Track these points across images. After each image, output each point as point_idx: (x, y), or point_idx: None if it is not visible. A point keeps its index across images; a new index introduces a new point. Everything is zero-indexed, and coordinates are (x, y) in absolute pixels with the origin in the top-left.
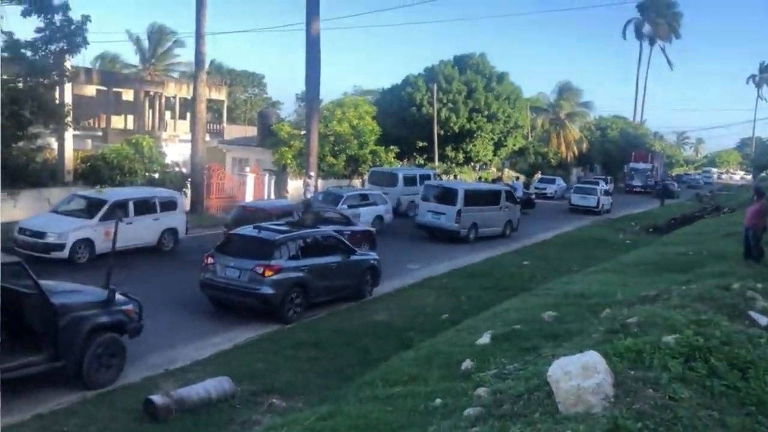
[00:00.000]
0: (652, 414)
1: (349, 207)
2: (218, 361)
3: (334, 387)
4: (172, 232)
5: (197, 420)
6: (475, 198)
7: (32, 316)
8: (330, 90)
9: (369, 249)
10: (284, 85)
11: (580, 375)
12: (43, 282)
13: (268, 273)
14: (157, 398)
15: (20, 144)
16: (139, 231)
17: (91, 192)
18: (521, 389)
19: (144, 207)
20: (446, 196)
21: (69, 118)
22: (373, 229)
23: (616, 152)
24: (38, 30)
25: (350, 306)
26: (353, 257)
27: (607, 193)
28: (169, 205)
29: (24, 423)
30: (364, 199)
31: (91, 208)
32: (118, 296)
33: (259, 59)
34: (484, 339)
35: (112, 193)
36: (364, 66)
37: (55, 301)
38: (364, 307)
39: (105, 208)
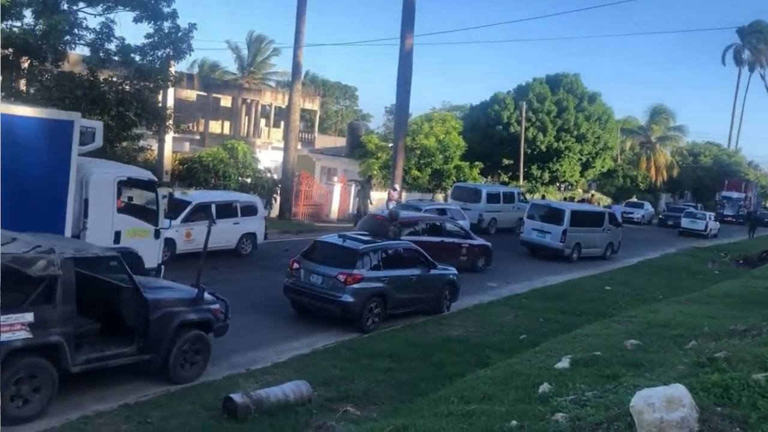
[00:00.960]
0: None
1: None
2: (297, 365)
3: (408, 399)
4: (251, 236)
5: (274, 421)
6: (580, 219)
7: (126, 309)
8: (419, 104)
9: (485, 263)
10: (375, 99)
11: (664, 407)
12: (137, 277)
13: (349, 281)
14: (237, 397)
15: (124, 144)
16: (220, 234)
17: (177, 193)
18: (601, 417)
19: (225, 210)
20: (553, 215)
21: (170, 121)
22: (489, 244)
23: (708, 179)
24: (147, 36)
25: (427, 319)
26: (433, 271)
27: (715, 219)
28: (250, 210)
29: (112, 411)
30: (441, 213)
31: (175, 208)
32: (207, 295)
33: (353, 72)
34: (563, 363)
35: (196, 195)
36: (453, 82)
37: (148, 296)
38: (441, 322)
39: (188, 209)
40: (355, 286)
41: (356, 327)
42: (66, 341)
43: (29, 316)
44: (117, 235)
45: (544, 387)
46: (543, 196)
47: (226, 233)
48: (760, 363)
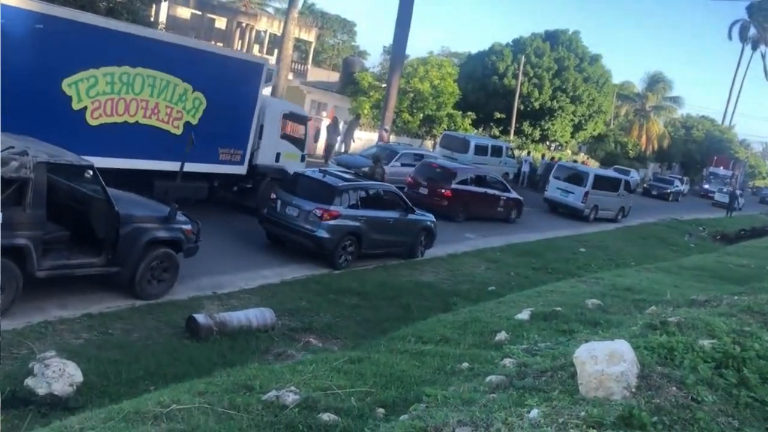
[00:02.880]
0: (671, 411)
1: (402, 165)
2: (264, 293)
3: (370, 337)
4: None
5: (234, 344)
6: (601, 182)
7: (96, 220)
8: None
9: (517, 215)
10: (374, 37)
11: (605, 361)
12: (111, 190)
13: (326, 217)
14: (200, 317)
15: None
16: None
17: None
18: (546, 366)
19: None
20: (577, 177)
21: None
22: (521, 198)
23: (697, 153)
24: None
25: (400, 263)
26: (411, 216)
27: (741, 195)
28: None
29: (74, 319)
30: (418, 160)
31: None
32: (179, 215)
33: (353, 6)
34: (523, 315)
35: None
36: (453, 28)
37: (120, 210)
38: (413, 266)
39: None
40: (331, 222)
41: (328, 263)
42: (33, 245)
43: None
44: (277, 156)
45: (501, 335)
46: (528, 153)
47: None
48: (710, 331)
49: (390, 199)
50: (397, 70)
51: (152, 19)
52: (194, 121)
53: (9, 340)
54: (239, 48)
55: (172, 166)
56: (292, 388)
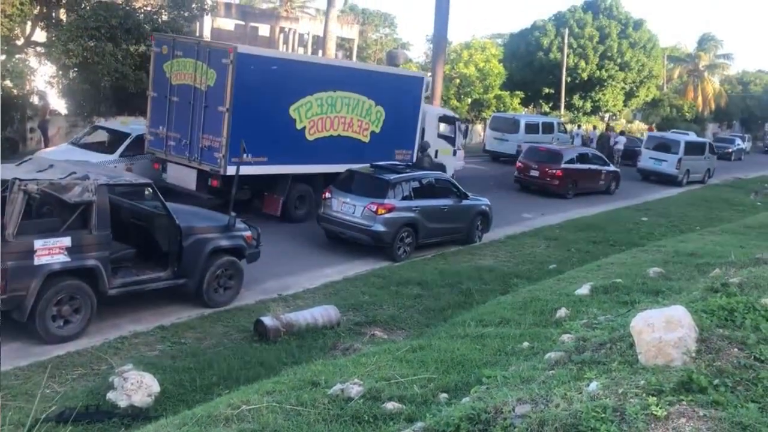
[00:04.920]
0: (732, 372)
1: None
2: (327, 291)
3: (433, 325)
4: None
5: (302, 343)
6: (690, 148)
7: (160, 235)
8: (460, 33)
9: (615, 186)
10: (416, 27)
11: (662, 328)
12: (170, 204)
13: (381, 211)
14: (267, 320)
15: None
16: (182, 174)
17: (114, 123)
18: (605, 338)
19: None
20: (668, 145)
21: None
22: (619, 170)
23: (757, 109)
24: None
25: (459, 249)
26: (465, 201)
27: None
28: None
29: (148, 332)
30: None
31: (113, 142)
32: (239, 223)
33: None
34: (583, 290)
35: (136, 127)
36: (495, 9)
37: (181, 223)
38: (472, 252)
39: (127, 141)
40: (387, 215)
41: (387, 256)
42: (102, 265)
43: (66, 241)
44: (435, 153)
45: (561, 312)
46: (579, 126)
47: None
48: None
49: (442, 186)
50: (440, 58)
51: (197, 34)
52: (377, 130)
53: (89, 357)
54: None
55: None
56: (356, 380)
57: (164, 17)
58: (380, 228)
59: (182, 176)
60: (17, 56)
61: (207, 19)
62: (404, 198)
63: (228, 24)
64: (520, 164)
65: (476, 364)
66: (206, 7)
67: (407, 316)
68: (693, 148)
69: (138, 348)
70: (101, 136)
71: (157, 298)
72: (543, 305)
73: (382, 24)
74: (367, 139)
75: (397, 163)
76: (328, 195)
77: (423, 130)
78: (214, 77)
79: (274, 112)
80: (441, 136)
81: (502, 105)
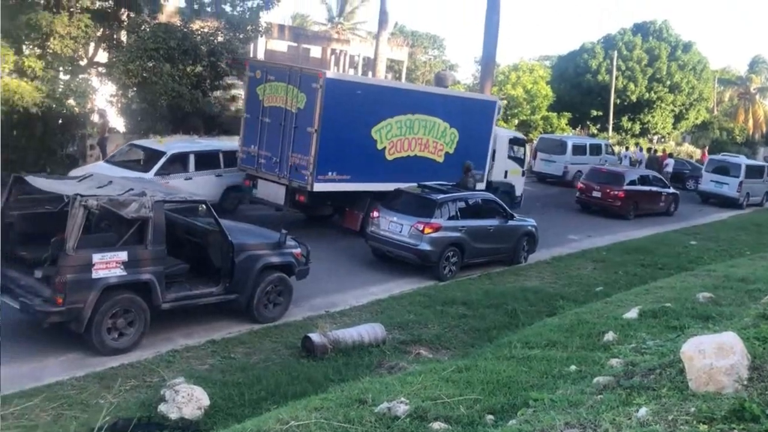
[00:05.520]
0: None
1: None
2: (373, 309)
3: (478, 345)
4: (236, 189)
5: (349, 360)
6: (751, 171)
7: (213, 251)
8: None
9: (674, 208)
10: (464, 49)
11: (714, 354)
12: (223, 221)
13: (427, 230)
14: (315, 336)
15: (216, 93)
16: (199, 188)
17: (150, 142)
18: (654, 363)
19: (207, 161)
20: (729, 168)
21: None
22: (678, 192)
23: None
24: None
25: (504, 270)
26: (511, 222)
27: None
28: (235, 160)
29: (199, 346)
30: None
31: (149, 159)
32: (289, 240)
33: (442, 22)
34: (632, 314)
35: (171, 144)
36: (543, 31)
37: (234, 240)
38: (517, 272)
39: (162, 160)
40: (433, 235)
41: (433, 275)
42: (157, 279)
43: (123, 255)
44: (505, 173)
45: (609, 336)
46: (627, 148)
47: (206, 187)
48: None
49: (489, 207)
50: (488, 79)
51: (251, 55)
52: (451, 151)
53: (141, 369)
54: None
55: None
56: (403, 399)
57: (220, 39)
58: (426, 247)
59: (271, 192)
60: (81, 76)
61: (261, 41)
62: (451, 218)
63: (281, 45)
64: (581, 185)
65: (523, 386)
66: (261, 29)
67: (452, 335)
68: (753, 172)
69: (189, 361)
70: (137, 155)
71: (208, 313)
72: (590, 328)
73: (431, 46)
74: (441, 160)
75: (444, 183)
76: (376, 214)
77: (494, 152)
78: (304, 100)
79: (358, 134)
80: (511, 157)
81: (549, 126)
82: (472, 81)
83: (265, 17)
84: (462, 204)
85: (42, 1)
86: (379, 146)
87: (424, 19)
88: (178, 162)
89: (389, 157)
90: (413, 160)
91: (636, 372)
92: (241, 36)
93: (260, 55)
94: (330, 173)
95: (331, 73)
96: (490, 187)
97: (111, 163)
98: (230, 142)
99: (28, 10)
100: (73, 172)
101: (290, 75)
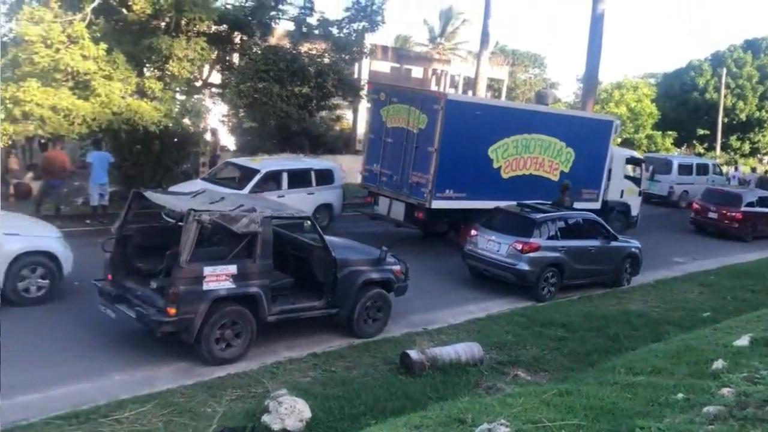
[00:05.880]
0: None
1: None
2: (471, 328)
3: (579, 369)
4: (327, 207)
5: (446, 379)
6: None
7: (317, 266)
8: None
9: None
10: (565, 67)
11: None
12: (326, 237)
13: (526, 250)
14: (413, 353)
15: (322, 113)
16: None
17: (245, 160)
18: None
19: (299, 179)
20: None
21: (364, 92)
22: None
23: None
24: (346, 9)
25: (605, 292)
26: (614, 243)
27: None
28: (326, 179)
29: (301, 359)
30: None
31: (244, 177)
32: (389, 257)
33: (543, 40)
34: (742, 341)
35: (265, 163)
36: (648, 48)
37: (336, 255)
38: (619, 295)
39: (257, 178)
40: (532, 254)
41: (532, 295)
42: (263, 292)
43: (233, 268)
44: (621, 193)
45: (718, 364)
46: (736, 168)
47: (298, 204)
48: None
49: (590, 226)
50: (590, 97)
51: (355, 76)
52: (566, 170)
53: (247, 379)
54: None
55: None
56: (503, 421)
57: (326, 60)
58: (525, 267)
59: (391, 208)
60: (196, 96)
61: (365, 62)
62: (550, 237)
63: (384, 66)
64: (696, 206)
65: (627, 413)
66: (365, 50)
67: (551, 358)
68: None
69: (292, 374)
70: (232, 172)
71: (309, 326)
72: (698, 355)
73: (532, 64)
74: (556, 178)
75: (544, 202)
76: (474, 232)
77: (610, 171)
78: (426, 121)
79: (475, 153)
80: (627, 177)
81: (653, 145)
82: (573, 99)
83: (370, 39)
84: (562, 223)
85: (162, 26)
86: (495, 165)
87: (526, 38)
88: (272, 180)
89: (505, 176)
90: (528, 178)
91: (749, 403)
92: (346, 57)
93: (365, 76)
94: (447, 191)
95: (451, 95)
96: (606, 206)
97: (207, 180)
98: (322, 161)
99: (150, 35)
100: (173, 188)
101: (413, 97)
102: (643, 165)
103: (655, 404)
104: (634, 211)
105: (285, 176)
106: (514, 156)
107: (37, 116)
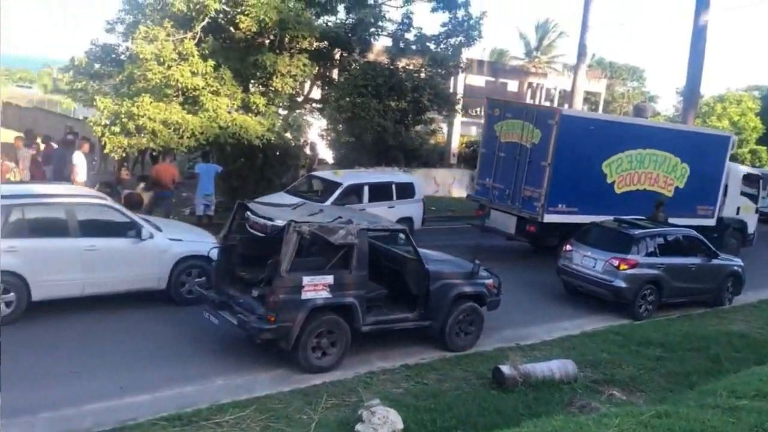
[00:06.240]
0: None
1: None
2: (564, 344)
3: (677, 390)
4: (407, 221)
5: (539, 396)
6: None
7: (410, 278)
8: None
9: None
10: (665, 79)
11: None
12: (420, 249)
13: (623, 266)
14: (505, 368)
15: (417, 128)
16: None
17: (327, 174)
18: None
19: (380, 193)
20: None
21: (459, 106)
22: None
23: None
24: (442, 25)
25: (706, 311)
26: (715, 261)
27: None
28: (407, 192)
29: (394, 370)
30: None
31: (326, 190)
32: (482, 271)
33: (642, 52)
34: None
35: (347, 176)
36: (752, 60)
37: (430, 268)
38: (720, 315)
39: (338, 191)
40: (629, 271)
41: (628, 313)
42: (359, 303)
43: (329, 279)
44: (737, 210)
45: None
46: None
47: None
48: None
49: (691, 243)
50: (691, 111)
51: (451, 90)
52: (681, 186)
53: (341, 388)
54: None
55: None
56: None
57: (423, 75)
58: (621, 284)
59: (503, 222)
60: (297, 111)
61: (460, 76)
62: (648, 254)
63: (479, 80)
64: None
65: None
66: (462, 65)
67: (648, 378)
68: None
69: (385, 384)
70: (316, 185)
71: (402, 338)
72: None
73: (630, 77)
74: (670, 194)
75: (642, 218)
76: (569, 247)
77: (726, 187)
78: (539, 136)
79: (588, 167)
80: (744, 193)
81: (758, 160)
82: (672, 112)
83: (466, 53)
84: (661, 240)
85: (267, 43)
86: (609, 180)
87: (624, 51)
88: (353, 193)
89: (618, 191)
90: (642, 194)
91: None
92: (443, 72)
93: (460, 90)
94: (560, 205)
95: (566, 110)
96: (722, 223)
97: (290, 193)
98: (404, 175)
99: (255, 52)
100: (260, 200)
101: (527, 112)
102: (761, 182)
103: (760, 430)
104: (751, 229)
105: (366, 189)
106: (628, 171)
107: (150, 130)
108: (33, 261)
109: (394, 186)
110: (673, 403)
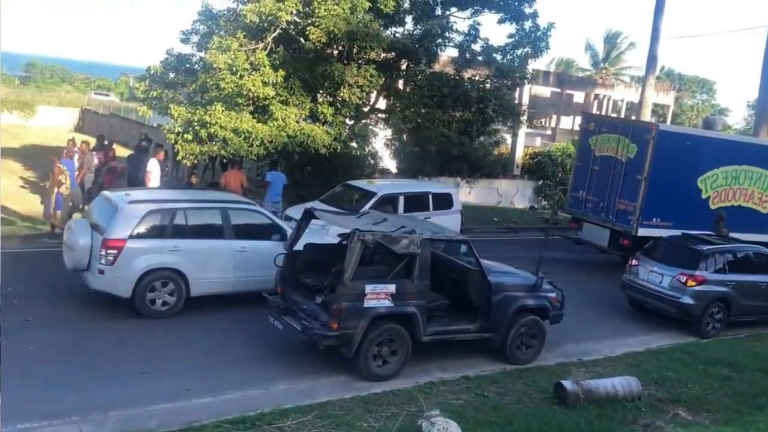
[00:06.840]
0: None
1: None
2: (628, 361)
3: (745, 412)
4: None
5: (601, 413)
6: None
7: (472, 289)
8: None
9: None
10: (736, 92)
11: None
12: (483, 261)
13: (690, 283)
14: (568, 384)
15: (481, 138)
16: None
17: (362, 183)
18: None
19: (415, 203)
20: None
21: (524, 117)
22: None
23: None
24: (509, 36)
25: None
26: None
27: None
28: (444, 203)
29: (454, 381)
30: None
31: (360, 200)
32: (545, 284)
33: (713, 65)
34: None
35: (381, 186)
36: None
37: (492, 279)
38: None
39: (372, 201)
40: (697, 288)
41: (694, 331)
42: (420, 312)
43: (392, 288)
44: None
45: None
46: None
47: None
48: None
49: (762, 261)
50: (763, 124)
51: (516, 101)
52: None
53: (401, 397)
54: None
55: (759, 237)
56: None
57: (488, 86)
58: (689, 301)
59: (596, 234)
60: (363, 121)
61: (525, 87)
62: (717, 270)
63: (544, 91)
64: None
65: None
66: (528, 76)
67: (715, 398)
68: None
69: (444, 395)
70: (351, 195)
71: (462, 349)
72: None
73: (700, 90)
74: (765, 211)
75: (710, 233)
76: (635, 262)
77: None
78: (635, 150)
79: (684, 182)
80: None
81: None
82: (743, 126)
83: (532, 64)
84: (730, 256)
85: (335, 54)
86: (704, 195)
87: (695, 63)
88: (388, 203)
89: (713, 206)
90: (736, 209)
91: None
92: (508, 83)
93: (525, 101)
94: (654, 219)
95: (663, 125)
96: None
97: (324, 202)
98: (442, 185)
99: (324, 63)
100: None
101: (622, 127)
102: None
103: None
104: None
105: (401, 199)
106: (723, 187)
107: (221, 138)
108: (193, 260)
109: (430, 196)
110: (741, 424)
